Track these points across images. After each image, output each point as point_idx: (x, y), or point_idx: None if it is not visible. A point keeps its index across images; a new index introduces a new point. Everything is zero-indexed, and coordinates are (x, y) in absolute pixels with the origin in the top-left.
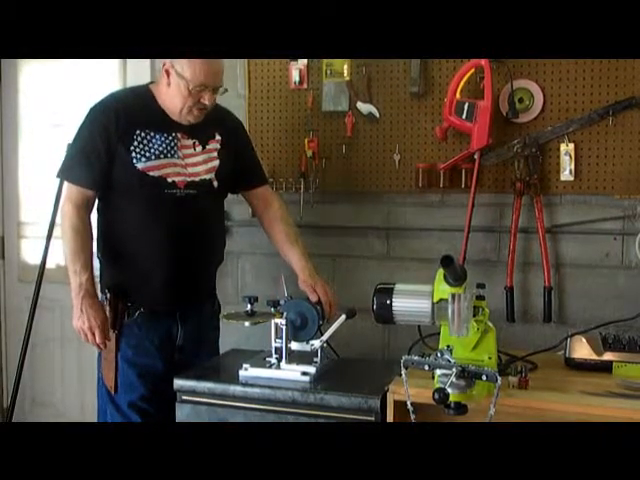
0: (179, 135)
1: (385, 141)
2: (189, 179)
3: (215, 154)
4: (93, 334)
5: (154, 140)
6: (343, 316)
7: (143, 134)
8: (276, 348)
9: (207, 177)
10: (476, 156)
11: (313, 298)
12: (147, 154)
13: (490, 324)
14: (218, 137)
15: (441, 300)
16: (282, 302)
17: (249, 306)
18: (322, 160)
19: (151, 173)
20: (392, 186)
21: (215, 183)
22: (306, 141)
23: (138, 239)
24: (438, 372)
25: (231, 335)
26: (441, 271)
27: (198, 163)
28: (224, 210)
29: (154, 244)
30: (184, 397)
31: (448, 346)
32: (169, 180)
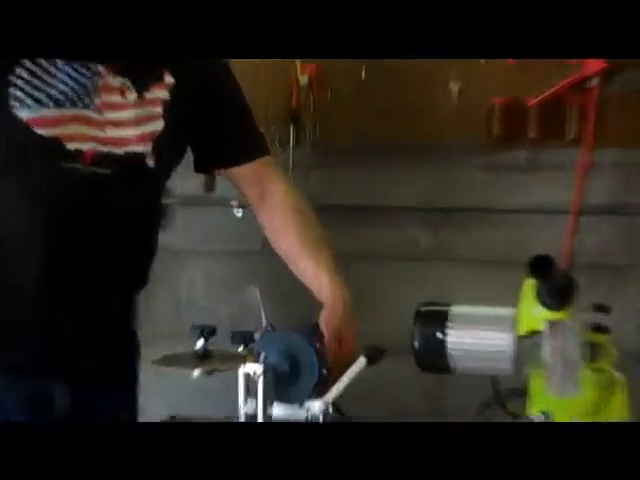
0: (102, 71)
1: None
2: (105, 148)
3: (159, 110)
4: None
5: (58, 74)
6: (362, 360)
7: (38, 62)
8: (247, 416)
9: (138, 149)
10: (593, 83)
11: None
12: (40, 96)
13: (619, 375)
14: (169, 80)
15: (531, 333)
16: (257, 335)
17: (200, 342)
18: (326, 92)
19: (42, 130)
20: (446, 136)
21: (150, 161)
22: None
23: None
24: None
25: (168, 394)
26: (531, 283)
27: (125, 122)
28: (161, 206)
29: (23, 259)
30: None
31: (544, 413)
32: (69, 147)
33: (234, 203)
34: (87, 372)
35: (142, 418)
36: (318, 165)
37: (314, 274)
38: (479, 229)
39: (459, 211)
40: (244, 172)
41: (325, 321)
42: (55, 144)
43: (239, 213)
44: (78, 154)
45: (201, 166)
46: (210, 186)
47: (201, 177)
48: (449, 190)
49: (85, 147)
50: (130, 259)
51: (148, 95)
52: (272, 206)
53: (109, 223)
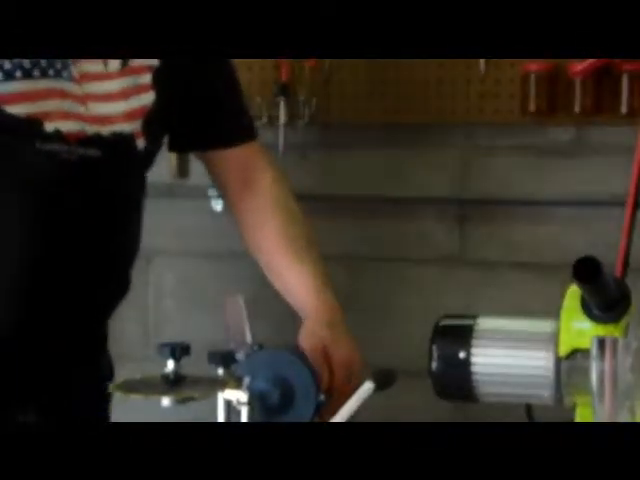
0: None
1: None
2: (90, 128)
3: (147, 79)
4: None
5: None
6: (369, 385)
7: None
8: None
9: (126, 128)
10: None
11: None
12: (6, 67)
13: None
14: None
15: (576, 352)
16: (241, 356)
17: (171, 364)
18: (323, 62)
19: (11, 108)
20: (470, 112)
21: (140, 142)
22: None
23: None
24: None
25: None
26: (576, 291)
27: (109, 96)
28: (145, 189)
29: None
30: None
31: None
32: (48, 127)
33: (212, 193)
34: (67, 397)
35: None
36: (315, 147)
37: (297, 284)
38: (511, 225)
39: (486, 203)
40: (227, 156)
41: (306, 339)
42: (31, 124)
43: (218, 206)
44: (59, 135)
45: (176, 144)
46: (183, 171)
47: (172, 160)
48: (474, 178)
49: (65, 127)
50: (119, 262)
51: (131, 64)
52: (253, 199)
53: (92, 215)
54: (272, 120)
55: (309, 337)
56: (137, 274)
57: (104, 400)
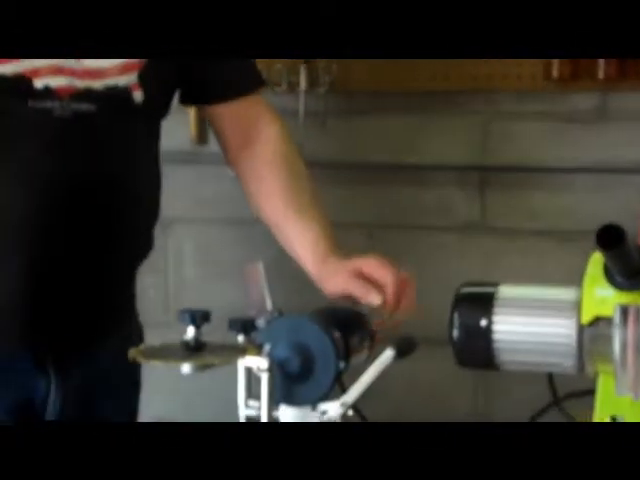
0: None
1: None
2: (81, 82)
3: None
4: None
5: None
6: (389, 352)
7: None
8: (249, 419)
9: (121, 81)
10: None
11: (366, 295)
12: None
13: None
14: None
15: (598, 320)
16: (261, 323)
17: (191, 331)
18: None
19: None
20: (492, 78)
21: (137, 94)
22: None
23: None
24: None
25: (154, 392)
26: (599, 258)
27: None
28: (158, 146)
29: None
30: None
31: (614, 418)
32: (37, 84)
33: None
34: (92, 361)
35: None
36: (335, 114)
37: (301, 246)
38: (533, 192)
39: (508, 170)
40: (229, 109)
41: (332, 280)
42: (18, 82)
43: None
44: (49, 91)
45: (185, 98)
46: (202, 138)
47: (191, 127)
48: (496, 145)
49: (55, 83)
50: (133, 223)
51: None
52: (254, 154)
53: (100, 177)
54: (292, 87)
55: (334, 279)
56: (156, 241)
57: (135, 365)
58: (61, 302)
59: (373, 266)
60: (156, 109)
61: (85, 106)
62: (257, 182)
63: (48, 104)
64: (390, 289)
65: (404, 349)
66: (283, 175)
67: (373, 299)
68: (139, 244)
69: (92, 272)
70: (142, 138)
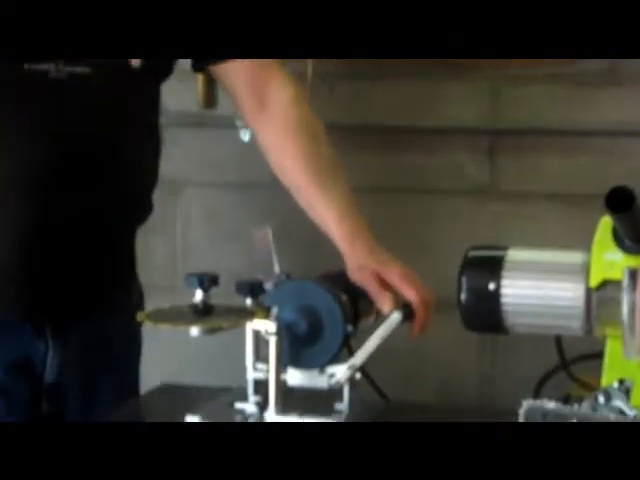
0: None
1: None
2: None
3: None
4: None
5: None
6: (396, 315)
7: None
8: (257, 382)
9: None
10: None
11: (382, 303)
12: None
13: None
14: None
15: (606, 283)
16: (269, 286)
17: (199, 294)
18: None
19: None
20: None
21: (134, 60)
22: None
23: None
24: None
25: (162, 356)
26: (608, 222)
27: None
28: (158, 109)
29: None
30: None
31: (621, 382)
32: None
33: (240, 123)
34: (90, 324)
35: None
36: (344, 78)
37: (325, 214)
38: (543, 156)
39: (518, 134)
40: (241, 71)
41: (356, 274)
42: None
43: (246, 136)
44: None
45: (197, 62)
46: (210, 101)
47: (199, 90)
48: (506, 108)
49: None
50: (129, 184)
51: None
52: (271, 118)
53: (90, 134)
54: None
55: (358, 271)
56: (165, 205)
57: (134, 325)
58: (59, 264)
59: (401, 279)
60: (155, 74)
61: (80, 68)
62: (275, 150)
63: (44, 67)
64: (420, 310)
65: (411, 312)
66: (300, 142)
67: (385, 308)
68: (137, 206)
69: (89, 234)
70: (140, 101)
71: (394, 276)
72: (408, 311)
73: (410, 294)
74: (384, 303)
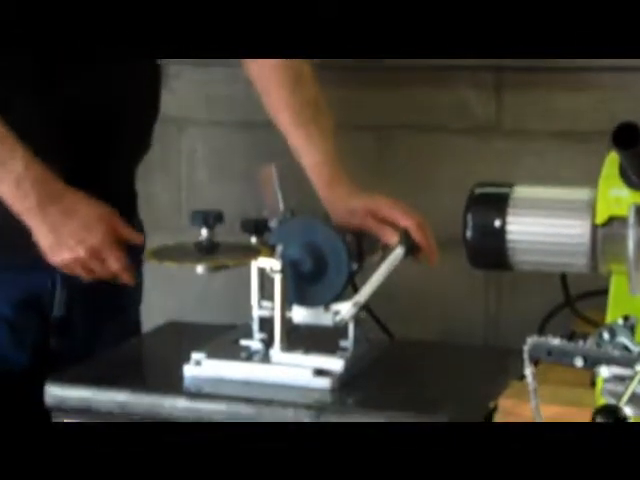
0: None
1: None
2: None
3: None
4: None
5: None
6: (399, 250)
7: None
8: (262, 320)
9: None
10: None
11: (387, 237)
12: None
13: None
14: None
15: (612, 220)
16: (274, 224)
17: (204, 232)
18: None
19: None
20: None
21: None
22: None
23: None
24: (604, 372)
25: (167, 294)
26: (614, 158)
27: None
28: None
29: None
30: (66, 420)
31: (626, 318)
32: None
33: None
34: None
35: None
36: None
37: (304, 155)
38: (549, 92)
39: (524, 70)
40: None
41: (347, 219)
42: None
43: None
44: None
45: None
46: None
47: None
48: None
49: None
50: (130, 115)
51: None
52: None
53: (89, 76)
54: None
55: (350, 217)
56: (169, 143)
57: (136, 261)
58: None
59: (391, 209)
60: None
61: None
62: (264, 93)
63: None
64: (418, 233)
65: (413, 245)
66: (282, 86)
67: (393, 240)
68: (135, 141)
69: (88, 169)
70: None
71: (384, 208)
72: (410, 243)
73: (405, 221)
74: (390, 236)
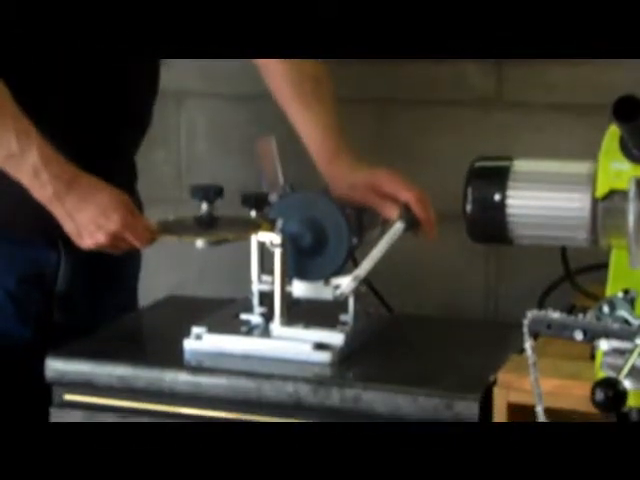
0: None
1: None
2: None
3: None
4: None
5: None
6: (398, 225)
7: None
8: (262, 294)
9: None
10: None
11: (388, 212)
12: None
13: None
14: None
15: (613, 193)
16: (274, 198)
17: (204, 206)
18: None
19: None
20: None
21: None
22: None
23: None
24: (604, 345)
25: (167, 269)
26: (615, 131)
27: None
28: None
29: None
30: (67, 397)
31: (626, 292)
32: None
33: None
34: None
35: (138, 297)
36: None
37: (306, 134)
38: (550, 65)
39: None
40: None
41: (349, 192)
42: None
43: None
44: None
45: None
46: None
47: None
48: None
49: None
50: (120, 94)
51: None
52: None
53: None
54: None
55: (351, 191)
56: (168, 116)
57: None
58: None
59: (392, 182)
60: None
61: None
62: (264, 67)
63: None
64: (418, 206)
65: (413, 219)
66: (283, 65)
67: (393, 214)
68: (135, 117)
69: (93, 150)
70: None
71: (384, 182)
72: (410, 217)
73: (405, 194)
74: (390, 210)
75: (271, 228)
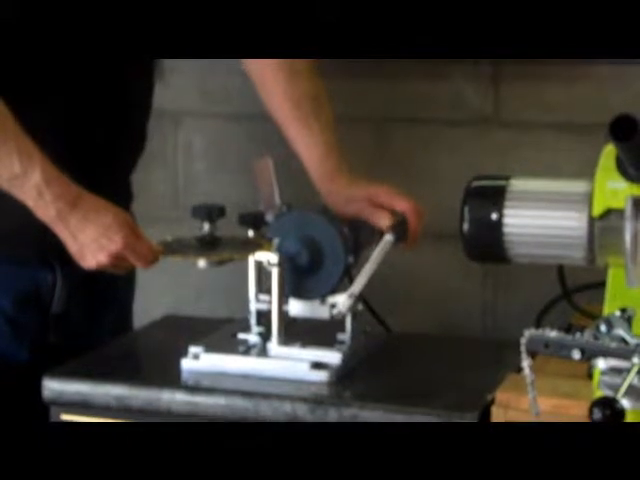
0: None
1: None
2: None
3: None
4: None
5: None
6: (388, 237)
7: None
8: (259, 314)
9: None
10: None
11: (380, 221)
12: None
13: None
14: None
15: (609, 212)
16: (270, 217)
17: (206, 226)
18: None
19: None
20: None
21: None
22: None
23: None
24: (601, 364)
25: (165, 289)
26: (611, 150)
27: None
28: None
29: None
30: (65, 417)
31: (623, 310)
32: None
33: None
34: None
35: (135, 317)
36: None
37: (303, 149)
38: (547, 84)
39: (522, 61)
40: None
41: (345, 207)
42: None
43: None
44: None
45: None
46: None
47: None
48: None
49: None
50: (118, 116)
51: None
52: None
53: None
54: None
55: (348, 205)
56: (166, 136)
57: None
58: None
59: (389, 194)
60: None
61: None
62: (261, 86)
63: None
64: (413, 217)
65: (403, 231)
66: (278, 78)
67: (385, 222)
68: (131, 139)
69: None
70: None
71: (382, 194)
72: (400, 230)
73: (402, 204)
74: (383, 219)
75: (269, 248)
